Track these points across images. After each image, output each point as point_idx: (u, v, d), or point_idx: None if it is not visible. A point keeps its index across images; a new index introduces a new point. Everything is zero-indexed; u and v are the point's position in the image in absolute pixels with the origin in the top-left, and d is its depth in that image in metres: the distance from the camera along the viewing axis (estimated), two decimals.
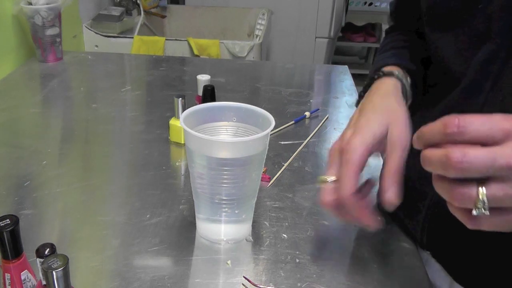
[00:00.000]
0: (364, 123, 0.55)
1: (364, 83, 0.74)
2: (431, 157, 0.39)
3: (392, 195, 0.50)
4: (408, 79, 0.63)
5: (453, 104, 0.55)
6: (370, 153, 0.53)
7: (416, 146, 0.42)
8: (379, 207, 0.72)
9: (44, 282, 0.44)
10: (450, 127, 0.38)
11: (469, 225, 0.39)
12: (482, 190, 0.38)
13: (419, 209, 0.61)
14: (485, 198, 0.37)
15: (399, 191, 0.51)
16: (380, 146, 0.54)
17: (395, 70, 0.63)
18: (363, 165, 0.52)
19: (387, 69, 0.63)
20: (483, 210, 0.38)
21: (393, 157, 0.52)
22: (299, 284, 0.58)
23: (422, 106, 0.63)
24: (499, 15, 0.49)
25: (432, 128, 0.39)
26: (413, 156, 0.48)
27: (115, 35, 1.60)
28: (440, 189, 0.40)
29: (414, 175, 0.55)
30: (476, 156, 0.37)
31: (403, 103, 0.59)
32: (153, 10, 1.92)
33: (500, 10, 0.49)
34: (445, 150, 0.38)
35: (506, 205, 0.38)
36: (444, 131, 0.38)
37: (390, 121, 0.54)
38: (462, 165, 0.37)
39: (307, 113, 1.00)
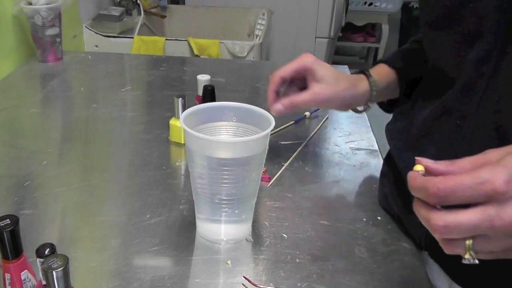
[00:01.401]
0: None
1: None
2: (418, 213, 0.41)
3: (280, 108, 0.72)
4: (377, 77, 0.74)
5: (449, 104, 0.55)
6: (284, 78, 0.73)
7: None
8: (381, 205, 0.73)
9: (44, 282, 0.44)
10: (431, 197, 0.38)
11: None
12: (469, 244, 0.39)
13: None
14: (472, 252, 0.39)
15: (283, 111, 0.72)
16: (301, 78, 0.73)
17: (376, 68, 0.76)
18: (279, 81, 0.73)
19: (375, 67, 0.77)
20: (471, 260, 0.39)
21: (307, 94, 0.71)
22: (299, 284, 0.58)
23: (419, 107, 0.63)
24: (491, 14, 0.49)
25: (416, 189, 0.40)
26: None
27: (115, 35, 1.60)
28: (433, 235, 0.41)
29: None
30: (457, 225, 0.38)
31: (353, 83, 0.73)
32: (153, 10, 1.92)
33: (492, 10, 0.49)
34: (428, 214, 0.39)
35: (495, 251, 0.39)
36: (426, 199, 0.39)
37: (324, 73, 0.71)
38: (443, 233, 0.38)
39: (307, 113, 1.00)
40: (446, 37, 0.56)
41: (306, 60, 0.72)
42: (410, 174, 0.41)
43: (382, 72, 0.75)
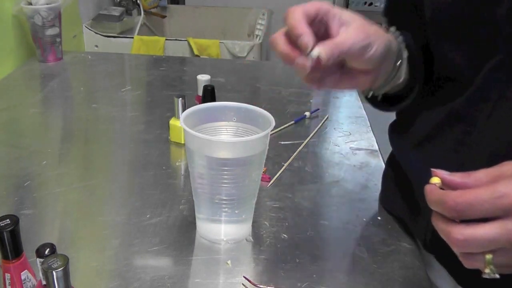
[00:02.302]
0: None
1: None
2: (436, 226, 0.40)
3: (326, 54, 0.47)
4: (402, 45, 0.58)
5: (460, 111, 0.55)
6: (308, 15, 0.50)
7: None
8: (383, 206, 0.73)
9: (44, 282, 0.44)
10: (449, 211, 0.38)
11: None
12: (490, 258, 0.38)
13: (423, 210, 0.60)
14: (492, 266, 0.38)
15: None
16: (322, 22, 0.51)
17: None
18: (306, 16, 0.50)
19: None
20: (491, 274, 0.39)
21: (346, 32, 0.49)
22: (299, 284, 0.58)
23: (425, 108, 0.62)
24: (505, 23, 0.48)
25: (433, 202, 0.40)
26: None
27: (115, 35, 1.60)
28: (453, 249, 0.40)
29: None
30: (476, 239, 0.37)
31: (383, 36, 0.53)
32: (153, 10, 1.92)
33: (506, 18, 0.48)
34: (447, 228, 0.39)
35: None
36: (444, 212, 0.39)
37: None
38: (463, 246, 0.38)
39: (307, 113, 1.00)
40: (459, 46, 0.54)
41: (322, 3, 0.52)
42: (427, 188, 0.40)
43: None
